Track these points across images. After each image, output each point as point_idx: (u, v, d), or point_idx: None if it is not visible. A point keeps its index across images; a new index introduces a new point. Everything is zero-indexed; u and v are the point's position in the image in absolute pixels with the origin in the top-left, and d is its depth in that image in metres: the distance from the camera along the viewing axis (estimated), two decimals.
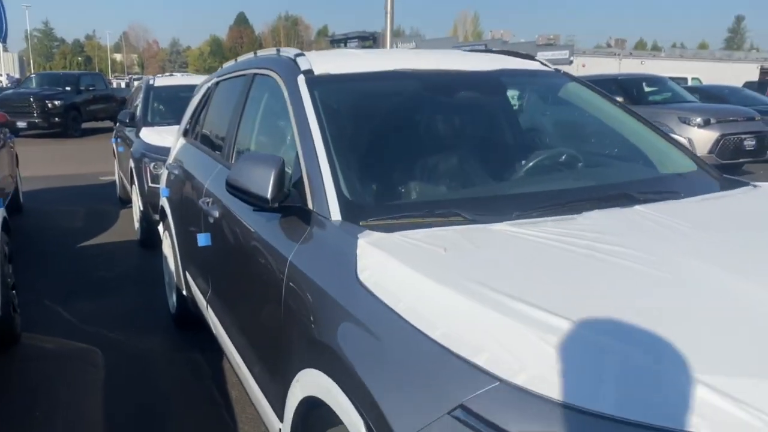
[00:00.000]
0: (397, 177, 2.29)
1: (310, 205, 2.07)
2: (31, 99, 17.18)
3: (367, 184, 2.21)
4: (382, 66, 2.68)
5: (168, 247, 4.26)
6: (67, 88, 18.47)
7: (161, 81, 7.82)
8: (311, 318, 1.74)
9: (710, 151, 10.24)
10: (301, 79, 2.52)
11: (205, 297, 3.21)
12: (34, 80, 20.12)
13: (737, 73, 39.87)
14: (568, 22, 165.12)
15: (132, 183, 6.60)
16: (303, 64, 2.61)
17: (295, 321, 1.87)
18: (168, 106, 7.40)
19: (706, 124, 10.43)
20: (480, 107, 2.83)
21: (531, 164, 2.36)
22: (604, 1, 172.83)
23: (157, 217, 5.87)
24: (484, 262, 1.57)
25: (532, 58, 3.18)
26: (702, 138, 10.32)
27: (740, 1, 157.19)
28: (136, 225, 6.64)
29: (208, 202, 2.96)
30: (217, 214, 2.80)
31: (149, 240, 6.24)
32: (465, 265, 1.55)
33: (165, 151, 6.03)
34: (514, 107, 3.12)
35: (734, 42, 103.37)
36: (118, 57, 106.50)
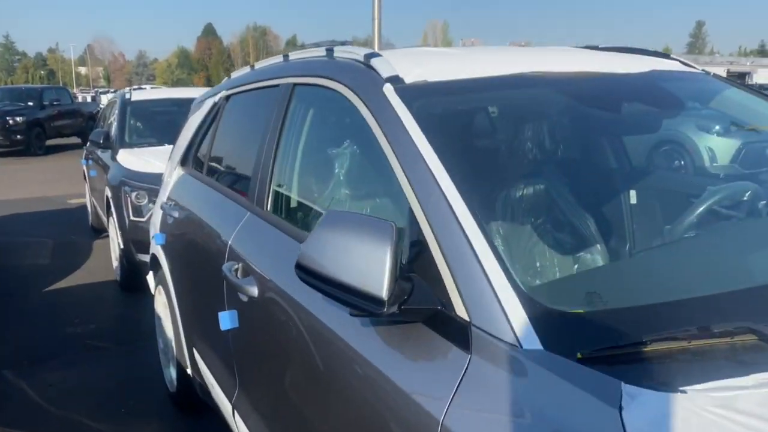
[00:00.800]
0: (603, 250, 1.42)
1: (461, 312, 1.18)
2: None
3: (559, 270, 1.34)
4: (499, 68, 1.82)
5: (163, 307, 3.33)
6: (30, 104, 17.29)
7: (139, 95, 6.81)
8: None
9: (732, 161, 9.59)
10: (389, 91, 1.65)
11: (229, 397, 2.30)
12: None
13: None
14: (535, 29, 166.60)
15: (109, 215, 5.62)
16: (383, 68, 1.75)
17: None
18: (148, 123, 6.44)
19: (725, 131, 9.78)
20: (661, 128, 2.00)
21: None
22: (569, 7, 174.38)
23: (141, 257, 4.94)
24: None
25: (667, 56, 2.36)
26: (723, 147, 9.66)
27: (699, 8, 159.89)
28: (115, 263, 5.66)
29: (236, 270, 2.06)
30: (255, 291, 1.90)
31: (131, 282, 5.28)
32: None
33: (148, 178, 5.10)
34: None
35: (696, 46, 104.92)
36: (83, 70, 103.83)
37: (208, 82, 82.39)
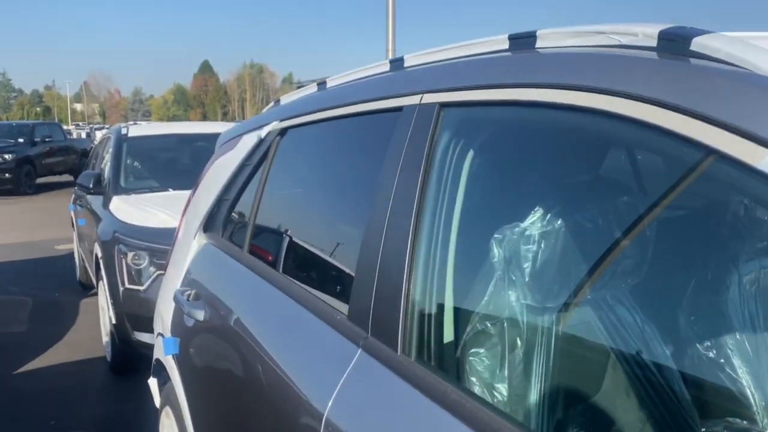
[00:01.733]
0: None
1: None
2: None
3: None
4: None
5: None
6: (20, 140, 16.30)
7: (137, 130, 5.73)
8: None
9: None
10: None
11: None
12: None
13: None
14: None
15: (98, 278, 4.52)
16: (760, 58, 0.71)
17: None
18: (148, 164, 5.37)
19: None
20: None
21: None
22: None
23: (139, 337, 3.85)
24: None
25: None
26: None
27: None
28: (105, 338, 4.54)
29: None
30: None
31: (124, 364, 4.18)
32: None
33: (149, 233, 4.01)
34: None
35: None
36: (78, 107, 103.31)
37: (205, 119, 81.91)
